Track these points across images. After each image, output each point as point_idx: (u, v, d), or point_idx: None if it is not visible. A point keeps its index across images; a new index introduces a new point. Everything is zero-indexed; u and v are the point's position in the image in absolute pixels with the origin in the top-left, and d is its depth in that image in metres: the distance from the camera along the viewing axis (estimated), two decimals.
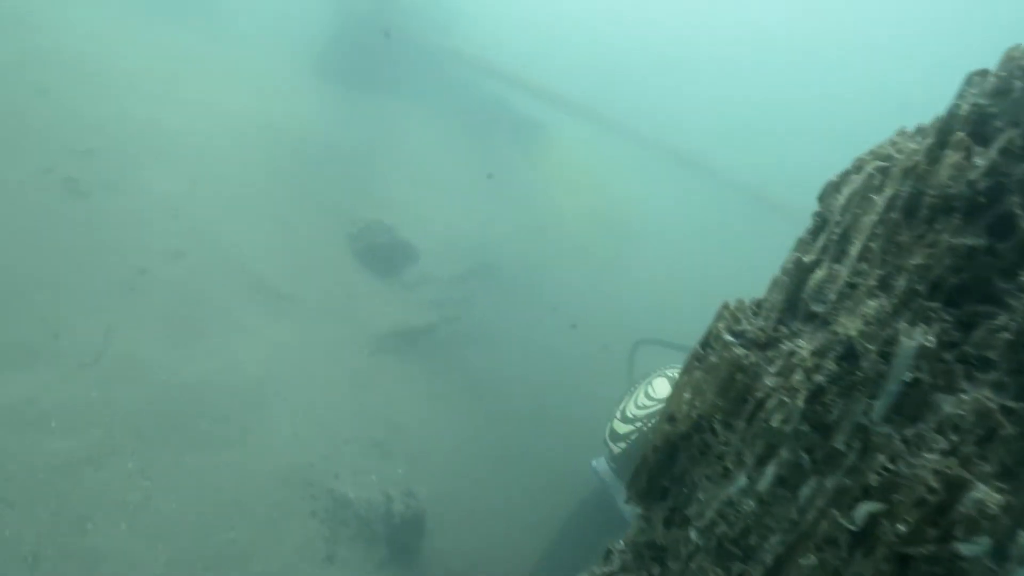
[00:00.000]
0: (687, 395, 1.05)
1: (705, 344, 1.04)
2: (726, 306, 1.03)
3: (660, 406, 2.10)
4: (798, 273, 0.96)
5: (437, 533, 2.95)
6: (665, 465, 1.17)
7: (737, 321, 1.01)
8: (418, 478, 3.29)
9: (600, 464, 2.27)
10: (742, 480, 1.00)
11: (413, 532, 2.64)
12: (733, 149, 8.12)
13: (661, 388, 2.15)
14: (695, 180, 7.64)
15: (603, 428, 2.45)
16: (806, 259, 0.95)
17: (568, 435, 4.32)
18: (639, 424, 2.09)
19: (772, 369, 0.95)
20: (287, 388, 2.97)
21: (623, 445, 2.12)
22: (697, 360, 1.05)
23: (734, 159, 7.64)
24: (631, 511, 2.15)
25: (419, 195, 5.71)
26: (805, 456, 0.95)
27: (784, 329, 0.96)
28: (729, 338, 0.99)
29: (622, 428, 2.14)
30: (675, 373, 2.21)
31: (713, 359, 1.00)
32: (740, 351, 0.96)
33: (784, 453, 0.96)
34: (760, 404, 0.95)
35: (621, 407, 2.18)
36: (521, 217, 6.84)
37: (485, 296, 5.44)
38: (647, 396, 2.14)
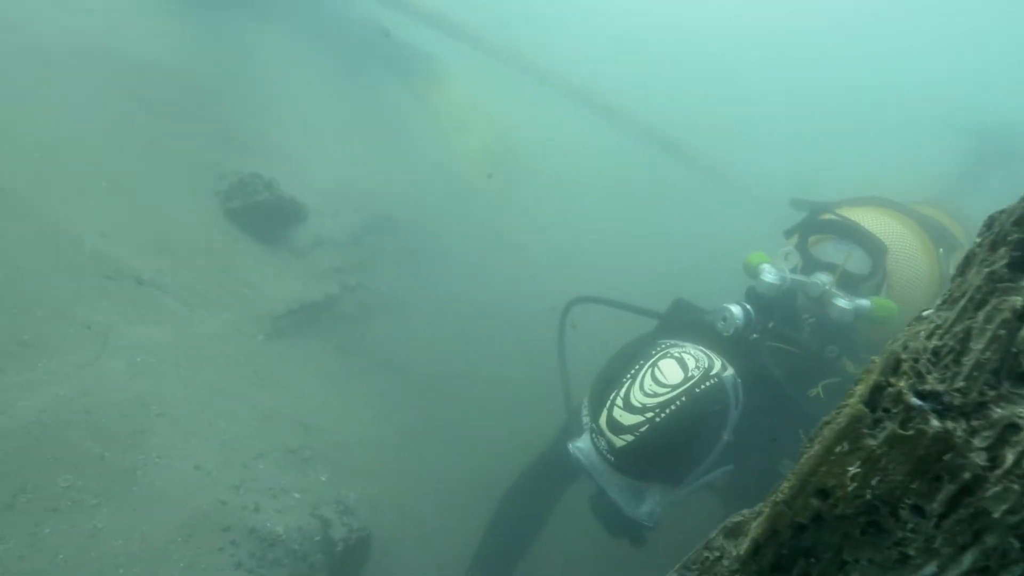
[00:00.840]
0: (854, 470, 0.83)
1: (876, 405, 0.82)
2: (900, 358, 0.80)
3: (674, 394, 1.86)
4: (1015, 323, 0.75)
5: (379, 545, 2.63)
6: (797, 541, 0.96)
7: (922, 378, 0.79)
8: (345, 482, 2.91)
9: (587, 452, 1.98)
10: (930, 569, 0.81)
11: (359, 556, 2.30)
12: (641, 90, 8.05)
13: (671, 372, 1.89)
14: (602, 121, 7.50)
15: (576, 408, 2.19)
16: (1020, 304, 0.74)
17: (505, 402, 4.13)
18: (650, 415, 1.84)
19: (979, 443, 0.75)
20: (170, 404, 2.36)
21: (629, 438, 1.85)
22: (866, 427, 0.82)
23: (642, 101, 7.57)
24: (643, 512, 1.95)
25: (296, 141, 4.93)
26: (1015, 542, 0.78)
27: (991, 392, 0.76)
28: (918, 403, 0.77)
29: (628, 419, 1.86)
30: (682, 353, 1.94)
31: (901, 431, 0.78)
32: (945, 424, 0.74)
33: (990, 540, 0.78)
34: (966, 487, 0.75)
35: (620, 393, 1.89)
36: (412, 162, 6.28)
37: (386, 256, 4.95)
38: (655, 381, 1.87)
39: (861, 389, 0.90)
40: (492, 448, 3.86)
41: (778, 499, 1.16)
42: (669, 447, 1.87)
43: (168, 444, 2.13)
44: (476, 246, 5.71)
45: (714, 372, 1.91)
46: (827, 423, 1.02)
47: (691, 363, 1.91)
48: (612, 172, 7.16)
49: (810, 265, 2.26)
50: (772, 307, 2.12)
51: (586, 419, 2.06)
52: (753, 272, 2.21)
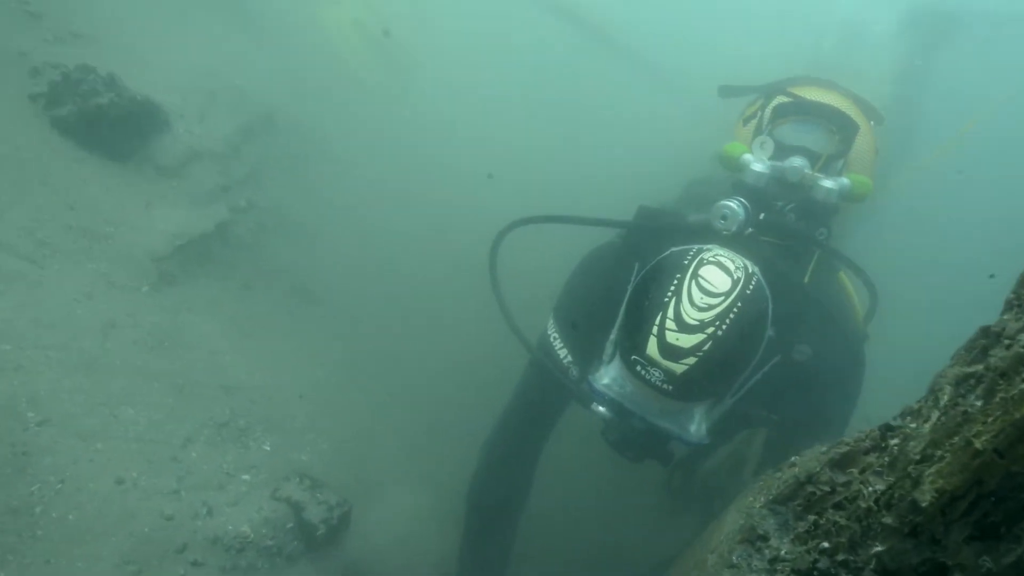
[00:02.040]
0: None
1: None
2: None
3: (729, 301, 1.73)
4: None
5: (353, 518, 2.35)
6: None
7: None
8: (293, 446, 2.54)
9: (625, 387, 1.84)
10: None
11: (342, 534, 1.99)
12: None
13: (718, 278, 1.76)
14: None
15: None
16: None
17: (439, 327, 3.83)
18: (711, 330, 1.70)
19: None
20: (51, 404, 1.78)
21: (692, 360, 1.70)
22: None
23: None
24: (697, 434, 1.83)
25: (135, 22, 3.88)
26: None
27: None
28: None
29: (687, 340, 1.71)
30: (716, 256, 1.80)
31: None
32: None
33: None
34: None
35: (668, 315, 1.72)
36: (280, 45, 5.28)
37: (273, 166, 4.21)
38: (704, 292, 1.74)
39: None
40: (440, 382, 3.62)
41: (979, 445, 1.02)
42: (733, 358, 1.78)
43: (67, 460, 1.62)
44: (368, 148, 5.06)
45: (750, 268, 1.82)
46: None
47: (731, 264, 1.78)
48: (520, 55, 6.56)
49: (780, 150, 2.15)
50: (762, 198, 2.04)
51: (610, 352, 1.91)
52: (735, 163, 2.10)
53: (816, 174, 2.04)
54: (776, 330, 1.87)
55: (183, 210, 3.14)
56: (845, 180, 2.06)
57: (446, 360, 3.73)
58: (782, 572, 1.39)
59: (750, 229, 1.95)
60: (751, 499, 1.67)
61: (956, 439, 1.09)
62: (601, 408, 1.97)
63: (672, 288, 1.74)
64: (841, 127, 2.15)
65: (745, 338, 1.76)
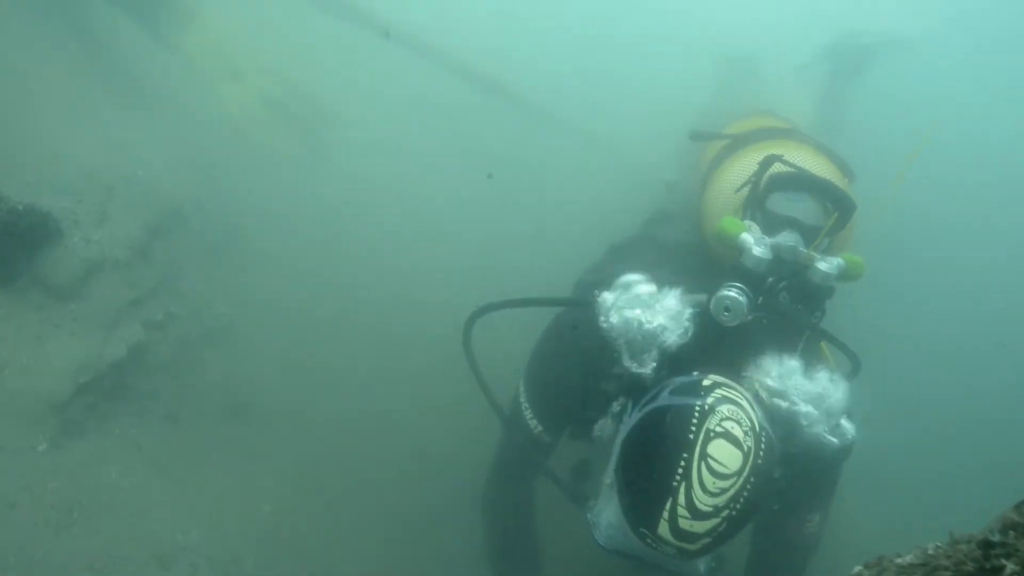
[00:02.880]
0: None
1: None
2: None
3: (742, 480, 1.64)
4: None
5: None
6: None
7: None
8: None
9: (636, 546, 1.74)
10: None
11: None
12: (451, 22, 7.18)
13: (728, 457, 1.63)
14: (410, 57, 6.56)
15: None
16: None
17: (409, 422, 3.50)
18: (725, 513, 1.63)
19: None
20: None
21: (707, 540, 1.64)
22: None
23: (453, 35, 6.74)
24: (703, 571, 1.82)
25: (9, 112, 3.42)
26: None
27: None
28: None
29: (700, 526, 1.64)
30: (723, 421, 1.67)
31: None
32: None
33: None
34: None
35: (679, 501, 1.63)
36: (179, 128, 4.90)
37: (189, 266, 3.78)
38: (716, 475, 1.63)
39: None
40: (408, 487, 3.28)
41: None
42: (746, 523, 1.70)
43: None
44: (291, 230, 4.72)
45: (757, 424, 1.71)
46: None
47: (739, 431, 1.66)
48: (442, 121, 6.44)
49: (770, 221, 2.09)
50: (761, 282, 1.91)
51: (607, 496, 1.82)
52: (733, 243, 1.96)
53: (812, 253, 1.95)
54: (780, 466, 1.82)
55: (85, 338, 2.67)
56: (840, 261, 1.96)
57: (412, 463, 3.39)
58: None
59: (750, 316, 1.86)
60: None
61: None
62: (594, 520, 1.92)
63: (680, 471, 1.62)
64: (839, 206, 2.07)
65: (758, 503, 1.69)
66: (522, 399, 2.35)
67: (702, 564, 1.79)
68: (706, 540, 1.63)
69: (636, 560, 1.83)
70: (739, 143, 2.44)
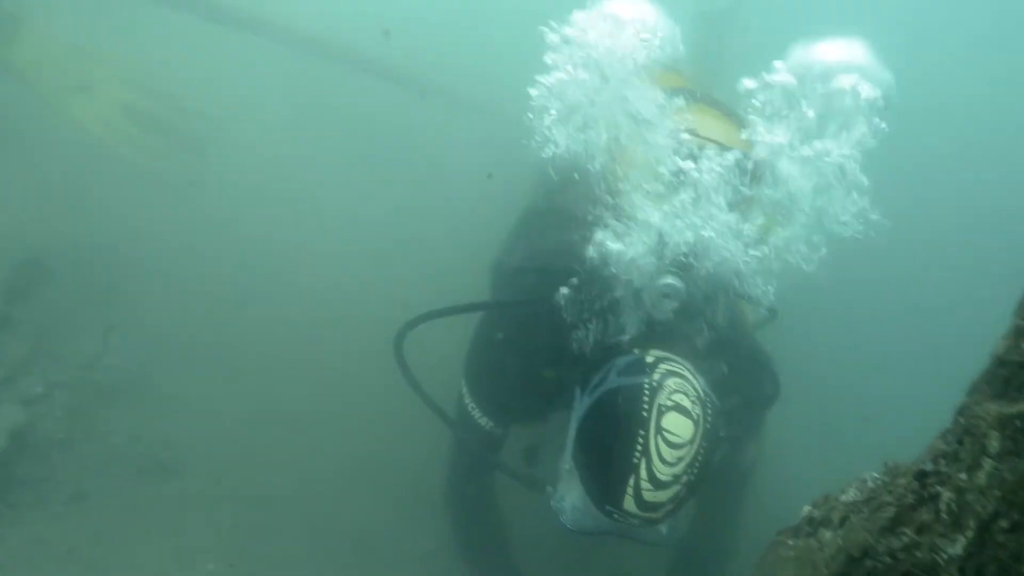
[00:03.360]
0: None
1: None
2: None
3: (695, 447, 1.81)
4: None
5: None
6: None
7: None
8: None
9: (599, 521, 1.91)
10: None
11: None
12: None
13: (681, 427, 1.80)
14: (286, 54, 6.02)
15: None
16: None
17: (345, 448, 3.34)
18: (685, 479, 1.81)
19: None
20: None
21: (669, 507, 1.83)
22: None
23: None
24: (669, 536, 1.97)
25: None
26: None
27: None
28: None
29: (662, 495, 1.80)
30: (672, 395, 1.83)
31: None
32: None
33: None
34: None
35: (640, 476, 1.78)
36: (31, 162, 4.29)
37: (63, 322, 3.38)
38: (671, 446, 1.78)
39: None
40: (357, 513, 3.17)
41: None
42: (701, 486, 1.87)
43: None
44: (185, 257, 4.31)
45: (702, 391, 1.87)
46: None
47: (687, 401, 1.82)
48: (330, 118, 6.01)
49: None
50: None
51: (568, 481, 1.95)
52: None
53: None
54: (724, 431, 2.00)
55: None
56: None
57: (359, 484, 3.29)
58: None
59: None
60: None
61: None
62: (557, 504, 2.03)
63: (639, 448, 1.76)
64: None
65: (711, 463, 1.87)
66: (467, 400, 2.41)
67: (664, 527, 1.93)
68: (669, 507, 1.79)
69: (604, 535, 1.96)
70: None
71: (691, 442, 1.77)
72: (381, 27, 5.54)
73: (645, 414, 1.75)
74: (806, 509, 1.71)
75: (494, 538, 2.74)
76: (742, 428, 2.30)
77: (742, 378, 2.12)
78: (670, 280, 1.92)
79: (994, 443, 1.16)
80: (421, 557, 3.05)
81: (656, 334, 1.97)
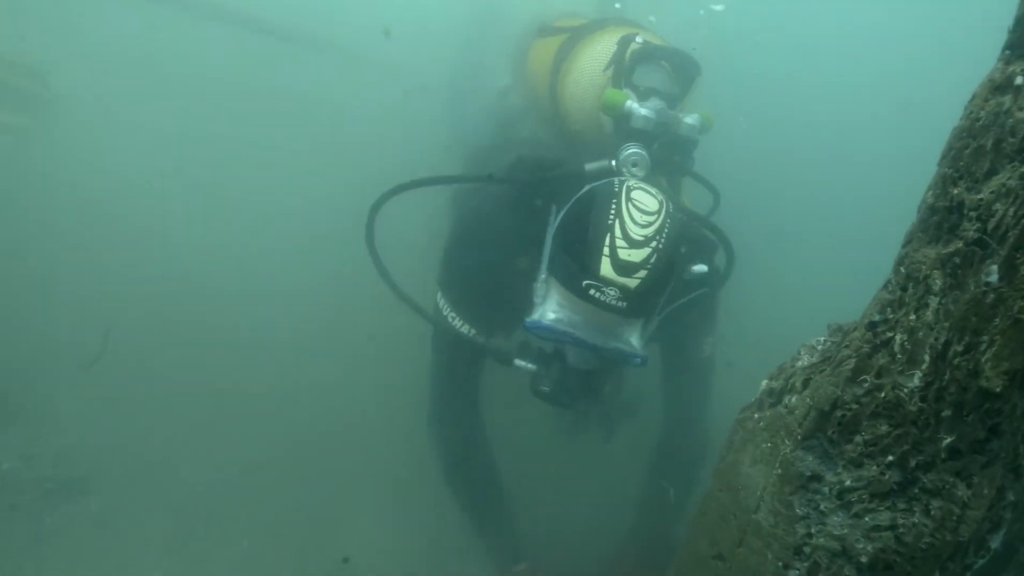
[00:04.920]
0: None
1: None
2: None
3: (662, 216, 2.01)
4: None
5: None
6: None
7: None
8: None
9: (572, 318, 2.02)
10: None
11: None
12: None
13: (647, 199, 2.03)
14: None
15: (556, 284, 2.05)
16: None
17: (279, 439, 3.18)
18: (655, 243, 1.97)
19: None
20: None
21: (643, 273, 1.95)
22: None
23: None
24: (640, 349, 2.08)
25: None
26: None
27: None
28: None
29: (637, 254, 1.95)
30: (636, 181, 2.10)
31: None
32: None
33: None
34: None
35: (616, 234, 1.95)
36: None
37: None
38: (640, 211, 1.99)
39: None
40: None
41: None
42: (671, 270, 2.04)
43: None
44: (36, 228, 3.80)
45: (659, 191, 2.10)
46: None
47: (651, 190, 2.05)
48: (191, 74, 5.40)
49: (637, 94, 2.40)
50: (650, 140, 2.25)
51: (544, 292, 2.07)
52: (620, 111, 2.28)
53: (678, 114, 2.32)
54: (684, 247, 2.24)
55: None
56: (699, 116, 2.34)
57: (289, 477, 3.15)
58: (860, 501, 1.46)
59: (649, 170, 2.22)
60: (764, 449, 1.72)
61: (997, 321, 1.20)
62: (526, 365, 2.19)
63: (612, 211, 1.95)
64: (691, 69, 2.45)
65: (676, 251, 2.05)
66: (445, 309, 2.47)
67: (636, 339, 2.08)
68: (643, 273, 1.93)
69: (564, 370, 2.13)
70: (583, 32, 2.70)
71: (658, 212, 1.99)
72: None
73: (616, 190, 2.00)
74: (764, 383, 1.87)
75: (486, 472, 2.75)
76: (695, 313, 2.50)
77: (700, 253, 2.33)
78: (635, 149, 2.16)
79: (937, 281, 1.33)
80: (360, 548, 3.00)
81: None
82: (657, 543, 2.73)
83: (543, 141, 2.81)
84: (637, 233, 1.92)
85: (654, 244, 1.94)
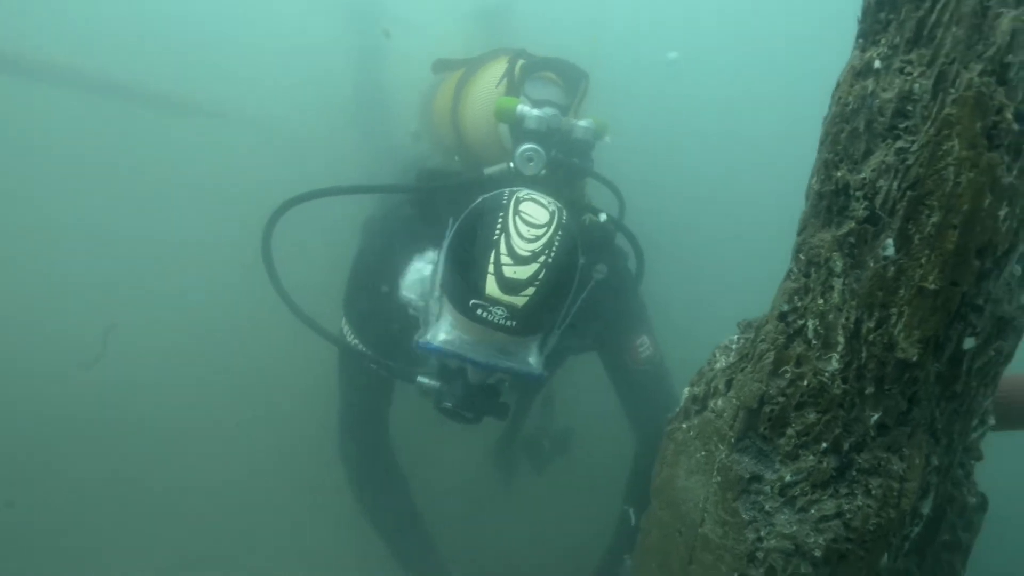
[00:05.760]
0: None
1: None
2: None
3: (551, 229, 1.97)
4: None
5: None
6: None
7: None
8: None
9: (463, 339, 1.96)
10: None
11: None
12: None
13: (536, 211, 1.99)
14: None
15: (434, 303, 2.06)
16: None
17: None
18: (543, 258, 1.93)
19: None
20: None
21: (531, 291, 1.91)
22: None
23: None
24: (537, 366, 2.05)
25: None
26: None
27: None
28: None
29: (523, 271, 1.90)
30: (526, 193, 2.05)
31: None
32: None
33: None
34: None
35: (500, 251, 1.91)
36: None
37: None
38: (528, 224, 1.95)
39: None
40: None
41: (933, 285, 1.16)
42: (563, 284, 1.99)
43: None
44: None
45: (556, 202, 2.08)
46: None
47: (542, 199, 2.03)
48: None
49: (531, 103, 2.46)
50: (546, 140, 2.29)
51: (437, 310, 2.04)
52: (513, 114, 2.32)
53: (571, 119, 2.39)
54: (584, 256, 2.22)
55: None
56: (591, 120, 2.42)
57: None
58: (803, 494, 1.46)
59: (544, 170, 2.25)
60: (699, 458, 1.69)
61: (902, 292, 1.24)
62: (428, 382, 2.15)
63: (499, 226, 1.92)
64: (578, 79, 2.54)
65: (570, 264, 2.01)
66: (349, 335, 2.46)
67: (533, 357, 2.06)
68: (530, 290, 1.89)
69: (465, 386, 2.09)
70: (479, 62, 2.80)
71: (547, 225, 1.96)
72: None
73: (504, 202, 1.97)
74: (686, 391, 1.86)
75: (398, 492, 2.78)
76: (620, 319, 2.61)
77: (603, 257, 2.35)
78: (530, 144, 2.20)
79: (838, 263, 1.38)
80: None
81: None
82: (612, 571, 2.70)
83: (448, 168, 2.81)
84: (523, 248, 1.88)
85: (542, 259, 1.90)
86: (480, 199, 2.05)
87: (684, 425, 1.77)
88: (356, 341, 2.45)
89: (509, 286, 1.86)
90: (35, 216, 4.69)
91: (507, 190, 2.03)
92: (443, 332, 1.98)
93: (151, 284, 4.35)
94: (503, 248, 1.87)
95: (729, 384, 1.62)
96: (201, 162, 5.29)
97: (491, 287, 1.85)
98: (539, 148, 2.20)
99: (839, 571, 1.40)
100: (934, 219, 1.17)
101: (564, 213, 2.05)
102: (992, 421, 1.56)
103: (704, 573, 1.65)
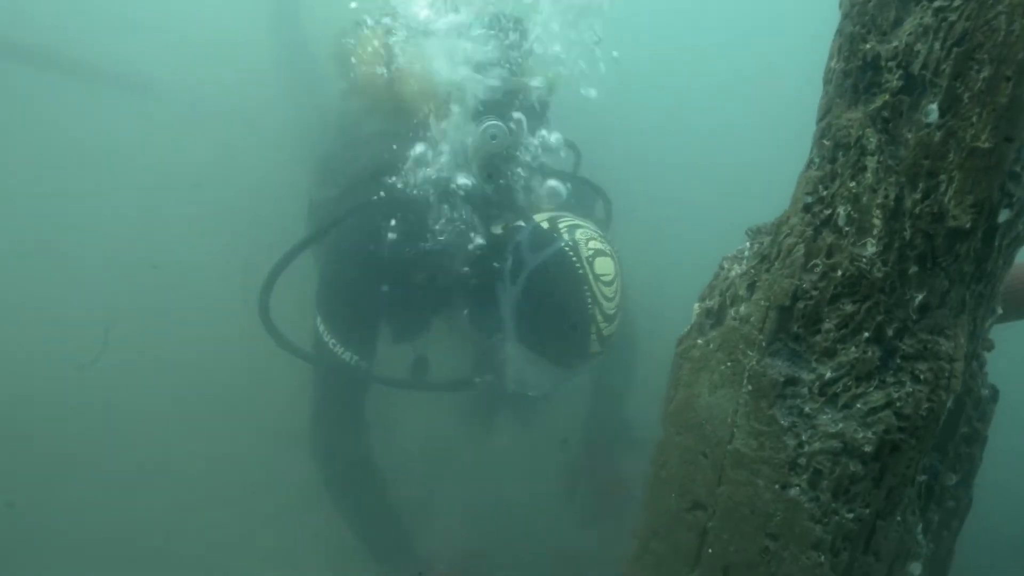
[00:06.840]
0: None
1: None
2: None
3: (620, 277, 2.20)
4: None
5: None
6: None
7: None
8: None
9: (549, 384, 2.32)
10: None
11: None
12: None
13: (605, 266, 2.17)
14: None
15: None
16: None
17: None
18: (622, 302, 2.22)
19: None
20: None
21: (615, 338, 2.25)
22: None
23: None
24: None
25: None
26: None
27: None
28: None
29: (614, 323, 2.20)
30: (592, 242, 2.19)
31: None
32: None
33: None
34: None
35: (597, 321, 2.16)
36: None
37: None
38: (607, 285, 2.15)
39: None
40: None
41: (986, 144, 1.13)
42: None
43: None
44: None
45: (595, 227, 2.26)
46: None
47: (598, 243, 2.18)
48: None
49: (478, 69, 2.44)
50: (506, 110, 2.31)
51: (530, 355, 2.23)
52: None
53: (521, 79, 2.37)
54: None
55: None
56: (542, 77, 2.42)
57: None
58: (846, 389, 1.41)
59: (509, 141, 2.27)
60: (723, 371, 1.62)
61: (951, 156, 1.20)
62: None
63: (589, 299, 2.10)
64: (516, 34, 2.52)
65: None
66: (326, 337, 2.44)
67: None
68: (614, 337, 2.22)
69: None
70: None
71: (617, 274, 2.19)
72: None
73: (581, 271, 2.09)
74: (696, 306, 1.80)
75: (374, 488, 2.77)
76: None
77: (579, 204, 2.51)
78: (492, 120, 2.20)
79: (871, 140, 1.33)
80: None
81: (503, 201, 2.10)
82: (609, 426, 3.07)
83: (388, 134, 2.66)
84: (611, 308, 2.14)
85: (622, 303, 2.18)
86: (533, 259, 2.13)
87: (700, 341, 1.70)
88: (335, 343, 2.44)
89: (607, 341, 2.19)
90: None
91: (569, 251, 2.11)
92: (534, 385, 2.29)
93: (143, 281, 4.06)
94: (599, 316, 2.13)
95: (752, 287, 1.56)
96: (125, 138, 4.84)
97: (594, 347, 2.17)
98: (499, 123, 2.19)
99: (889, 463, 1.37)
100: (984, 74, 1.13)
101: (609, 240, 2.27)
102: (1000, 310, 1.58)
103: (737, 491, 1.59)
